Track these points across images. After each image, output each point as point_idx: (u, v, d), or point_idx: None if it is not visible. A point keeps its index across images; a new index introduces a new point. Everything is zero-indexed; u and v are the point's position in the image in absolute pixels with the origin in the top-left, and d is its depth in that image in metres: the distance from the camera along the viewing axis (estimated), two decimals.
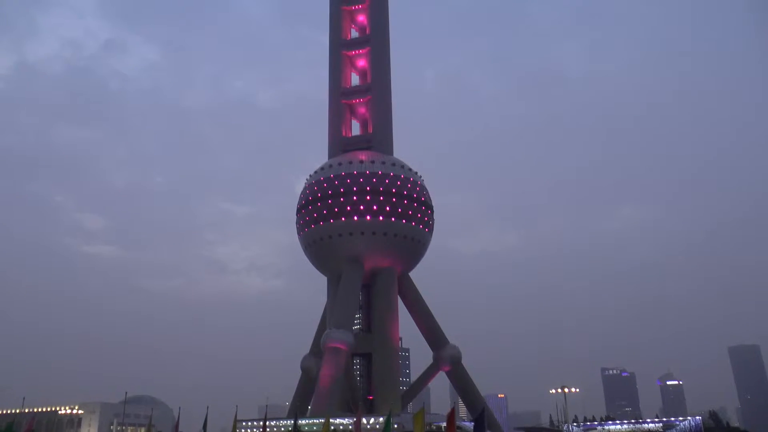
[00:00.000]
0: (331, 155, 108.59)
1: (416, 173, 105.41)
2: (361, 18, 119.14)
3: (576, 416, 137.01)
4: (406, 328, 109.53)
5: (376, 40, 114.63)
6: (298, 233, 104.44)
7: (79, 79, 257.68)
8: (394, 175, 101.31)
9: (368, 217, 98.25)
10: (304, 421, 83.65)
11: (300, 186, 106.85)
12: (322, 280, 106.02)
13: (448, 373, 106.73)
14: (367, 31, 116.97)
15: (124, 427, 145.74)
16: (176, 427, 65.94)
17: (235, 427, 58.78)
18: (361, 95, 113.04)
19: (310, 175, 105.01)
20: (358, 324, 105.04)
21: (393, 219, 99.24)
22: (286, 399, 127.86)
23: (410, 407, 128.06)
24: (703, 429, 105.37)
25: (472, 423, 67.86)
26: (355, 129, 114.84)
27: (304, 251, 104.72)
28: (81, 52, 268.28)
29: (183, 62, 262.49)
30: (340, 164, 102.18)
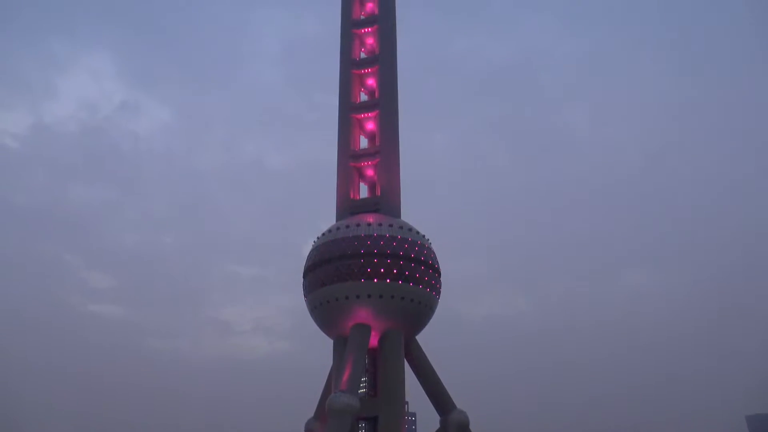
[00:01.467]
0: (338, 218, 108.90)
1: (424, 236, 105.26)
2: (371, 81, 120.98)
3: None
4: (413, 392, 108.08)
5: (385, 104, 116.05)
6: (305, 296, 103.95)
7: (93, 140, 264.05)
8: (401, 238, 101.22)
9: (375, 280, 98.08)
10: None
11: (307, 248, 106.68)
12: (328, 343, 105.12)
13: None
14: (376, 95, 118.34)
15: None
16: None
17: None
18: (369, 158, 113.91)
19: (318, 238, 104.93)
20: (364, 388, 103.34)
21: (400, 282, 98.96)
22: None
23: None
24: None
25: None
26: (363, 192, 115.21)
27: (310, 314, 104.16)
28: (96, 113, 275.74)
29: (195, 124, 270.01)
30: (347, 227, 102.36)
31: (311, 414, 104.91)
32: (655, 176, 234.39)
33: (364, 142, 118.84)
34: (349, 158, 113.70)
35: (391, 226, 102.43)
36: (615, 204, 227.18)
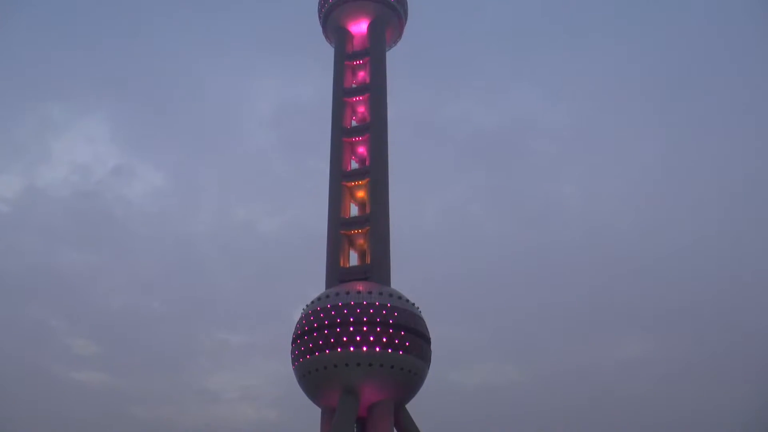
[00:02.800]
0: (328, 285, 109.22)
1: (414, 304, 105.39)
2: (361, 149, 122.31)
3: None
4: None
5: (375, 172, 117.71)
6: (293, 364, 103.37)
7: (85, 204, 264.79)
8: (391, 306, 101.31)
9: (364, 348, 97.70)
10: None
11: (297, 316, 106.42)
12: (316, 412, 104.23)
13: None
14: (367, 163, 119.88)
15: None
16: None
17: None
18: (359, 226, 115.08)
19: (307, 305, 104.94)
20: None
21: (390, 350, 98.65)
22: None
23: None
24: None
25: None
26: (353, 259, 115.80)
27: (298, 382, 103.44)
28: (89, 177, 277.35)
29: (188, 189, 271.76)
30: (337, 294, 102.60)
31: None
32: (648, 243, 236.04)
33: (354, 210, 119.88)
34: (339, 226, 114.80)
35: (380, 294, 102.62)
36: (608, 272, 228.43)
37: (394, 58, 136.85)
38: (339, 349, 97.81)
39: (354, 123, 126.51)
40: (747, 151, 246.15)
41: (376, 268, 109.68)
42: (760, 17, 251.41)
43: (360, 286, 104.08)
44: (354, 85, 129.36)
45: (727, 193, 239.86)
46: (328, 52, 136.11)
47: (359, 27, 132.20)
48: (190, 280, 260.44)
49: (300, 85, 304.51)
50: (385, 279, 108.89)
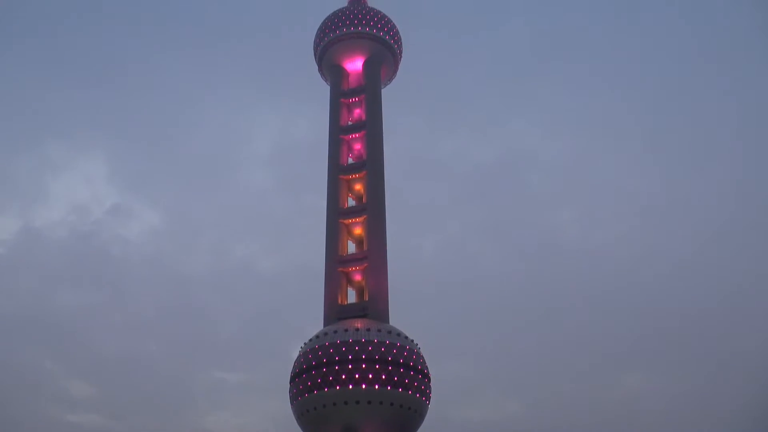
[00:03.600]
0: (326, 323, 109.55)
1: (413, 341, 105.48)
2: (358, 187, 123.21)
3: None
4: None
5: (373, 208, 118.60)
6: (291, 402, 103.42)
7: (82, 244, 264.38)
8: (390, 343, 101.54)
9: (363, 386, 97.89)
10: None
11: (295, 354, 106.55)
12: None
13: None
14: (364, 200, 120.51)
15: None
16: None
17: None
18: (357, 263, 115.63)
19: (305, 344, 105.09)
20: None
21: (389, 388, 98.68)
22: None
23: None
24: None
25: None
26: (351, 297, 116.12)
27: (297, 421, 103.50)
28: (86, 217, 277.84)
29: (185, 228, 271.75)
30: (335, 332, 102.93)
31: None
32: (648, 277, 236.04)
33: (352, 247, 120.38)
34: (336, 263, 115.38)
35: (379, 331, 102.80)
36: (608, 305, 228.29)
37: (389, 94, 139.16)
38: (338, 387, 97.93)
39: (350, 160, 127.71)
40: (742, 184, 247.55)
41: (374, 305, 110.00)
42: (756, 51, 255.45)
43: (358, 324, 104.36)
44: (350, 123, 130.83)
45: (725, 224, 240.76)
46: (324, 89, 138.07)
47: (354, 65, 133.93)
48: (187, 319, 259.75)
49: (297, 122, 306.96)
50: (384, 316, 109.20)
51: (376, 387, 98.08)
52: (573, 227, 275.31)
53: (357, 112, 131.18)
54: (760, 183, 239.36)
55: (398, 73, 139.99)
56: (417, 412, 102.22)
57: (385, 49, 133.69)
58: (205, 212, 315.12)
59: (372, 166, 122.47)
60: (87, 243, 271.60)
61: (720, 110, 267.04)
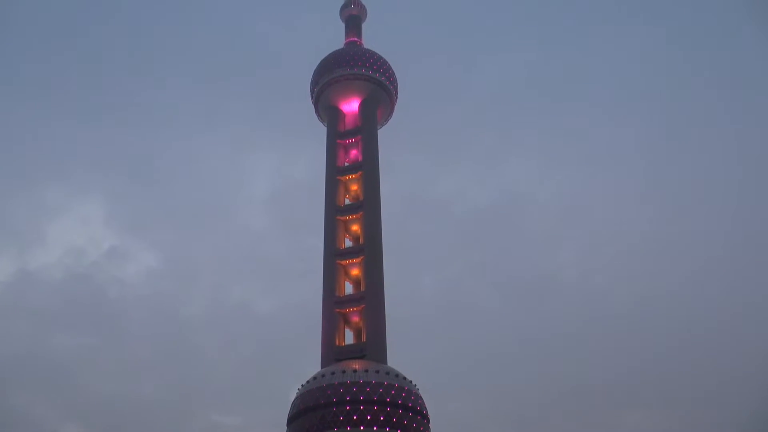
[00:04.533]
0: (324, 364, 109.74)
1: (411, 382, 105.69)
2: (355, 227, 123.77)
3: None
4: None
5: (370, 249, 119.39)
6: None
7: (78, 287, 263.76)
8: (388, 384, 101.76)
9: (362, 428, 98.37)
10: None
11: (293, 395, 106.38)
12: None
13: None
14: (361, 241, 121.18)
15: None
16: None
17: None
18: (354, 304, 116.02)
19: (302, 385, 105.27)
20: None
21: (388, 429, 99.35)
22: None
23: None
24: None
25: None
26: (349, 338, 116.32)
27: None
28: (83, 259, 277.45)
29: (183, 269, 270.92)
30: (333, 373, 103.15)
31: None
32: (647, 315, 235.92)
33: (349, 288, 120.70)
34: (334, 304, 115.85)
35: (377, 372, 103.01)
36: (607, 344, 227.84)
37: (386, 134, 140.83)
38: (336, 429, 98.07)
39: (347, 201, 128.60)
40: (741, 222, 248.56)
41: (372, 346, 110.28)
42: (757, 87, 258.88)
43: (356, 365, 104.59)
44: (347, 164, 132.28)
45: (724, 262, 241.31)
46: (321, 130, 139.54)
47: (351, 106, 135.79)
48: (183, 362, 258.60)
49: (294, 163, 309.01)
50: (382, 357, 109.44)
51: (375, 429, 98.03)
52: (571, 266, 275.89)
53: (354, 152, 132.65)
54: (759, 222, 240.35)
55: (395, 112, 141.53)
56: None
57: (380, 90, 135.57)
58: (203, 253, 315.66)
59: (369, 206, 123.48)
60: (83, 285, 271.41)
61: (719, 149, 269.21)
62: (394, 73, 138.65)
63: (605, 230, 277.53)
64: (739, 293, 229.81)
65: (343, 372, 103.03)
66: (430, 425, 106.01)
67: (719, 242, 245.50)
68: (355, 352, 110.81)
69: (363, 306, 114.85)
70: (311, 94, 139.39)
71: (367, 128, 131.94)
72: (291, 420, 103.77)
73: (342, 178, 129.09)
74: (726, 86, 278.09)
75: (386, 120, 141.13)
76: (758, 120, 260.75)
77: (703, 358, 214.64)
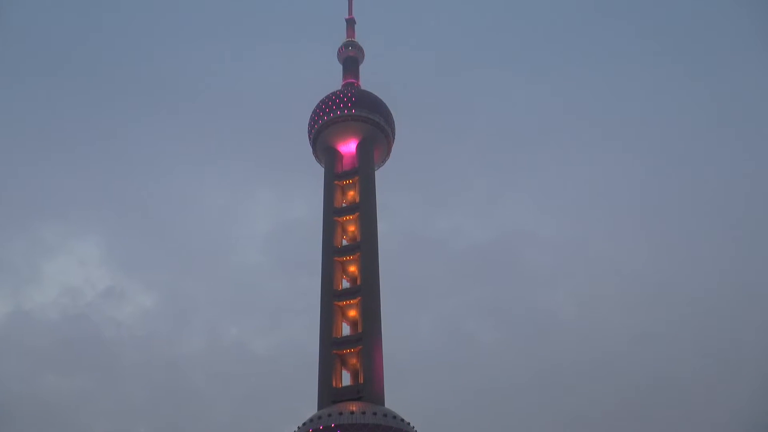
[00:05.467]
0: (320, 406, 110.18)
1: (408, 423, 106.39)
2: (353, 268, 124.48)
3: None
4: None
5: (367, 291, 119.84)
6: None
7: (73, 327, 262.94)
8: (385, 426, 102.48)
9: None
10: None
11: None
12: None
13: None
14: (358, 282, 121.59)
15: None
16: None
17: None
18: (351, 345, 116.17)
19: (299, 427, 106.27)
20: None
21: None
22: None
23: None
24: None
25: None
26: (346, 379, 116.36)
27: None
28: (79, 299, 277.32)
29: (179, 309, 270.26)
30: (329, 415, 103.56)
31: None
32: (648, 356, 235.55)
33: (346, 329, 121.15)
34: (331, 345, 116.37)
35: (374, 414, 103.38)
36: (606, 384, 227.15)
37: (383, 174, 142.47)
38: None
39: (345, 242, 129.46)
40: (739, 258, 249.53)
41: (369, 387, 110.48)
42: (752, 124, 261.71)
43: (353, 407, 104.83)
44: (344, 204, 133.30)
45: (724, 301, 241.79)
46: (319, 170, 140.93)
47: (348, 147, 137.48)
48: (178, 402, 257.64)
49: (292, 203, 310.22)
50: (379, 398, 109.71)
51: None
52: (570, 306, 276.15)
53: (351, 193, 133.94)
54: (756, 260, 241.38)
55: (392, 152, 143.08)
56: None
57: (378, 131, 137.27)
58: (199, 293, 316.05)
59: (366, 248, 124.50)
60: (78, 325, 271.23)
61: (717, 187, 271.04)
62: (391, 114, 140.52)
63: (604, 267, 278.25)
64: (737, 330, 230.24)
65: (340, 414, 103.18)
66: None
67: (717, 280, 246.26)
68: (352, 394, 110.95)
69: (360, 347, 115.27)
70: (309, 135, 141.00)
71: (364, 169, 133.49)
72: None
73: (339, 219, 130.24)
74: (724, 124, 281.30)
75: (383, 160, 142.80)
76: (756, 157, 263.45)
77: (702, 393, 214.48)
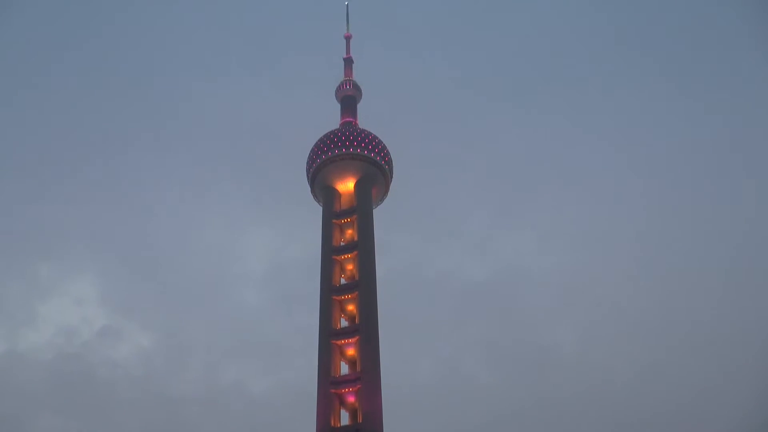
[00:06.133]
0: None
1: None
2: (351, 307, 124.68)
3: None
4: None
5: (365, 330, 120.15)
6: None
7: (68, 367, 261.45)
8: None
9: None
10: None
11: None
12: None
13: None
14: (357, 321, 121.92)
15: None
16: None
17: None
18: (350, 385, 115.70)
19: None
20: None
21: None
22: None
23: None
24: None
25: None
26: (344, 419, 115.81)
27: None
28: (74, 339, 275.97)
29: (176, 349, 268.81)
30: None
31: None
32: (649, 393, 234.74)
33: (345, 368, 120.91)
34: (329, 385, 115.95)
35: None
36: (607, 422, 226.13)
37: (381, 213, 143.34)
38: None
39: (343, 280, 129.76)
40: (737, 296, 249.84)
41: (368, 427, 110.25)
42: (751, 166, 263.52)
43: None
44: (342, 243, 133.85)
45: (725, 336, 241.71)
46: (317, 209, 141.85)
47: (346, 185, 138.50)
48: None
49: (290, 242, 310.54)
50: None
51: None
52: (570, 344, 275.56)
53: (349, 232, 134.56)
54: (753, 298, 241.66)
55: (390, 191, 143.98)
56: None
57: (375, 170, 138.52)
58: (196, 332, 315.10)
59: (364, 286, 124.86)
60: (73, 366, 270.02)
61: (718, 225, 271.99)
62: (389, 153, 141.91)
63: (603, 304, 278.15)
64: (738, 365, 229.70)
65: None
66: None
67: (717, 315, 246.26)
68: None
69: (358, 387, 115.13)
70: (307, 174, 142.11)
71: (362, 208, 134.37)
72: None
73: (337, 258, 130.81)
74: (724, 164, 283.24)
75: (382, 199, 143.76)
76: (755, 197, 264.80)
77: (702, 429, 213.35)
